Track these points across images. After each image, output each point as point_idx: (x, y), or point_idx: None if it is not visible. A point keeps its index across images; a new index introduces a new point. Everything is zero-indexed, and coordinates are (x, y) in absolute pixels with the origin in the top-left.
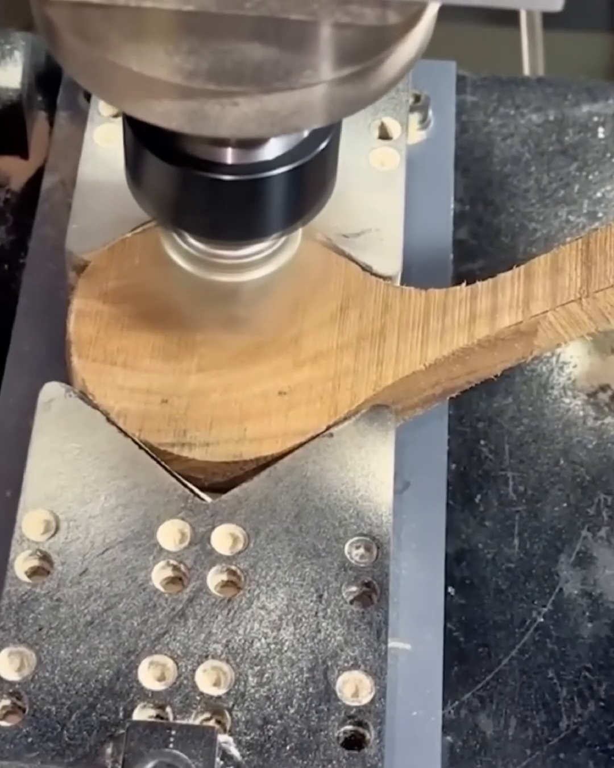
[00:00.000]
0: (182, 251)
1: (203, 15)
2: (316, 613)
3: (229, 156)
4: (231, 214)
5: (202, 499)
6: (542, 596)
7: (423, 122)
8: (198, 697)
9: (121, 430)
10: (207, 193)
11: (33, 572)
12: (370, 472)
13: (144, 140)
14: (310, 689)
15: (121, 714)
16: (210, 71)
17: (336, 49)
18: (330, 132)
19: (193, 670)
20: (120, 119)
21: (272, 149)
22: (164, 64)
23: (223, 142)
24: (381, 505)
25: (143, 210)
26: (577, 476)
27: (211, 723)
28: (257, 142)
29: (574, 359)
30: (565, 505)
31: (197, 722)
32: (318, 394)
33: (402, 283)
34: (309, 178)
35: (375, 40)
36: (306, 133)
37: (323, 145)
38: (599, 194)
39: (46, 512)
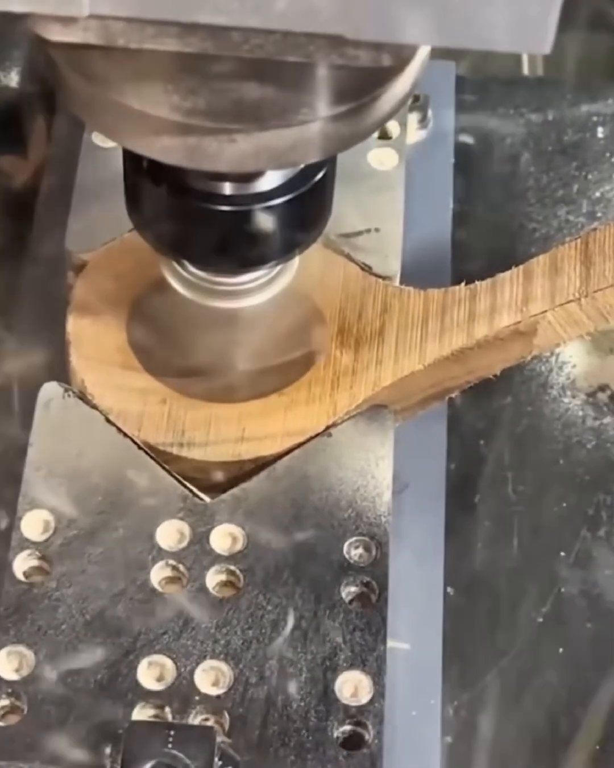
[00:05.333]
0: (180, 277)
1: (202, 56)
2: (315, 612)
3: (226, 187)
4: (228, 243)
5: (201, 499)
6: (541, 596)
7: (423, 122)
8: (197, 697)
9: (119, 429)
10: (204, 223)
11: (32, 572)
12: (369, 472)
13: (142, 172)
14: (309, 689)
15: (119, 714)
16: (208, 109)
17: (331, 88)
18: (326, 163)
19: (192, 670)
20: None
21: (269, 180)
22: (164, 102)
23: (220, 175)
24: (381, 504)
25: (142, 238)
26: (576, 476)
27: (210, 723)
28: (254, 175)
29: (573, 359)
30: (565, 505)
31: (196, 722)
32: (317, 394)
33: (401, 283)
34: (306, 207)
35: (369, 78)
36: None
37: (319, 176)
38: (598, 194)
39: (45, 512)
